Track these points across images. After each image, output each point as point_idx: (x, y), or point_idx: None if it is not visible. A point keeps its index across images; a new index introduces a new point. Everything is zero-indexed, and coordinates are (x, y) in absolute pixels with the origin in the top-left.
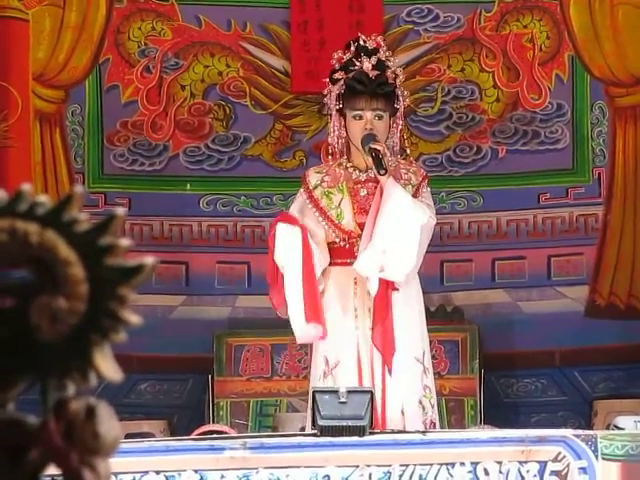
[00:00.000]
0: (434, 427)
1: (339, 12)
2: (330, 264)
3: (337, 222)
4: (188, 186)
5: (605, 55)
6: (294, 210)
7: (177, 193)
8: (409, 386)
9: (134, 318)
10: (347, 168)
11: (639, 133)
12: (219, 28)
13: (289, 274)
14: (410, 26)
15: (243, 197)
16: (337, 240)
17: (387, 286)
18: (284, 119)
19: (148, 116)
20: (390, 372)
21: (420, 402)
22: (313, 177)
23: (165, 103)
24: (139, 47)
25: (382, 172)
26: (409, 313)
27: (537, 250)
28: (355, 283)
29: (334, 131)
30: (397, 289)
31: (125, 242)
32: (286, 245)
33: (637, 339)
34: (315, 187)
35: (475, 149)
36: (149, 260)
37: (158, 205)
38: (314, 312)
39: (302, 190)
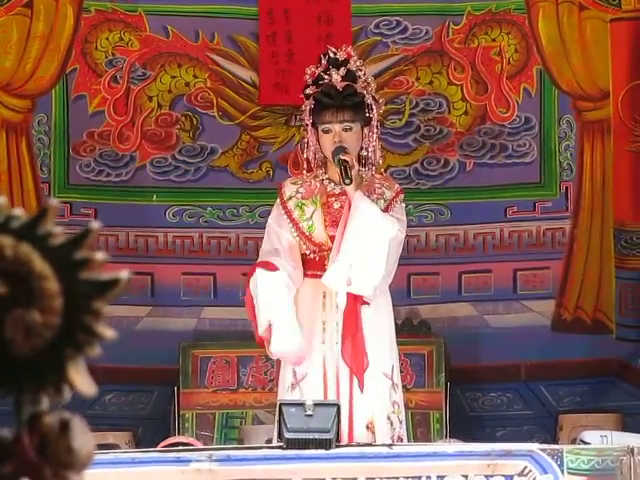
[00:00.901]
0: (402, 442)
1: (308, 24)
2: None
3: (308, 234)
4: (154, 197)
5: (573, 69)
6: (271, 221)
7: (143, 204)
8: (377, 402)
9: (109, 332)
10: (323, 181)
11: (607, 147)
12: (187, 39)
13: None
14: (378, 38)
15: (209, 208)
16: (307, 252)
17: (356, 300)
18: (251, 130)
19: (115, 126)
20: (362, 388)
21: (388, 418)
22: (288, 188)
23: (132, 114)
24: (106, 57)
25: (347, 182)
26: (378, 328)
27: (503, 264)
28: (324, 296)
29: (309, 146)
30: (367, 303)
31: (100, 256)
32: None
33: (603, 354)
34: (289, 198)
35: (443, 162)
36: (124, 274)
37: (124, 216)
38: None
39: (278, 201)
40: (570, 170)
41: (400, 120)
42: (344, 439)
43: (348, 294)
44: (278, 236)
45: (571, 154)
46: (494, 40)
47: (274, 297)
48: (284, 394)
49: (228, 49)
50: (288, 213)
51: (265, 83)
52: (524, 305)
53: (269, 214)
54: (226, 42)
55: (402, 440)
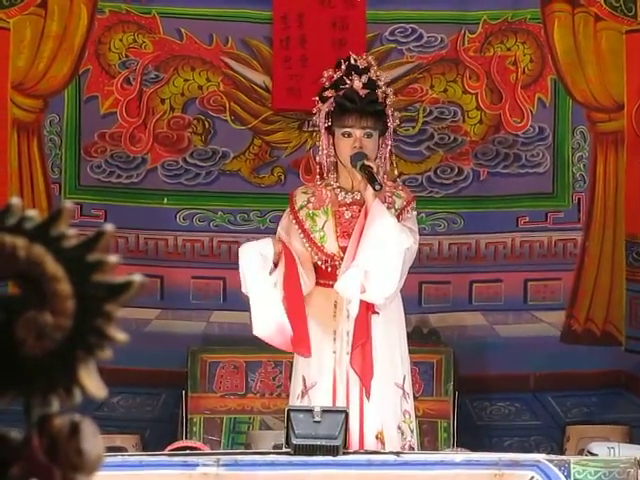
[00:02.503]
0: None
1: (322, 29)
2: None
3: (320, 245)
4: (165, 200)
5: (588, 80)
6: (281, 229)
7: (154, 207)
8: (388, 411)
9: (120, 335)
10: (334, 189)
11: (620, 159)
12: (200, 42)
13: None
14: (393, 45)
15: (220, 212)
16: (319, 262)
17: (367, 309)
18: (263, 135)
19: (127, 128)
20: (368, 396)
21: (399, 427)
22: (299, 197)
23: (144, 116)
24: (120, 59)
25: (377, 187)
26: (390, 337)
27: (514, 274)
28: (335, 306)
29: (322, 150)
30: (377, 312)
31: (113, 259)
32: (255, 255)
33: (612, 365)
34: (300, 208)
35: (456, 170)
36: (137, 277)
37: (134, 218)
38: (303, 335)
39: (288, 210)
40: (583, 181)
41: (414, 128)
42: (354, 449)
43: (360, 303)
44: (291, 246)
45: (584, 165)
46: (509, 49)
47: (246, 273)
48: (294, 402)
49: (242, 53)
50: (299, 223)
51: (278, 88)
52: (534, 316)
53: (280, 220)
54: (240, 46)
55: (414, 449)
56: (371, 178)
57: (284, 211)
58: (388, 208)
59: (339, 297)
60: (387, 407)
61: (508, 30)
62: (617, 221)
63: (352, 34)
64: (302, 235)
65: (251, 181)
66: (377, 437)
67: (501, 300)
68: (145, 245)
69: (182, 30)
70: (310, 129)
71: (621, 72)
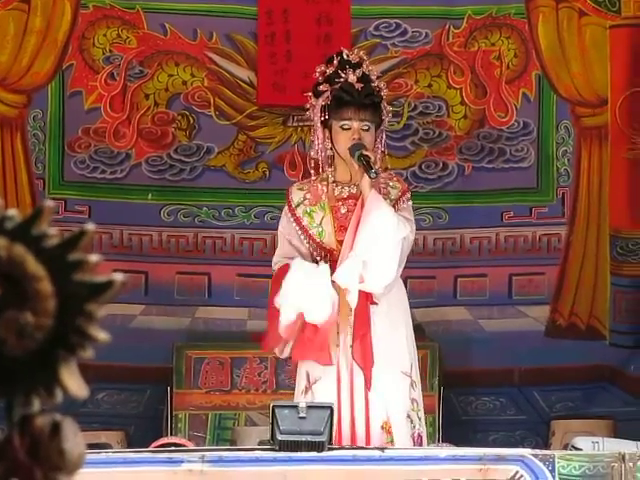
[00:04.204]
0: (421, 441)
1: (307, 25)
2: None
3: (319, 240)
4: (149, 195)
5: (572, 75)
6: (282, 228)
7: (138, 202)
8: (394, 401)
9: (102, 335)
10: (330, 183)
11: (604, 154)
12: (185, 37)
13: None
14: (378, 40)
15: (205, 208)
16: (318, 258)
17: (366, 300)
18: (248, 130)
19: (111, 123)
20: (369, 387)
21: (408, 416)
22: (295, 195)
23: (128, 111)
24: (104, 54)
25: (373, 175)
26: (394, 326)
27: (499, 268)
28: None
29: (318, 144)
30: (376, 303)
31: (94, 258)
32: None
33: (597, 360)
34: (297, 205)
35: (441, 165)
36: (118, 276)
37: (118, 214)
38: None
39: (286, 208)
40: (567, 176)
41: (398, 123)
42: (361, 441)
43: (359, 294)
44: (290, 244)
45: (568, 160)
46: (494, 44)
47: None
48: (298, 398)
49: (226, 48)
50: (297, 221)
51: (263, 83)
52: (519, 310)
53: (265, 215)
54: (224, 41)
55: (422, 437)
56: (367, 167)
57: (268, 206)
58: (384, 199)
59: (341, 291)
60: (393, 396)
61: (492, 25)
62: (601, 215)
63: (337, 29)
64: (300, 232)
65: (236, 176)
66: (382, 427)
67: (486, 295)
68: (129, 241)
69: (166, 25)
70: (295, 124)
71: (605, 67)
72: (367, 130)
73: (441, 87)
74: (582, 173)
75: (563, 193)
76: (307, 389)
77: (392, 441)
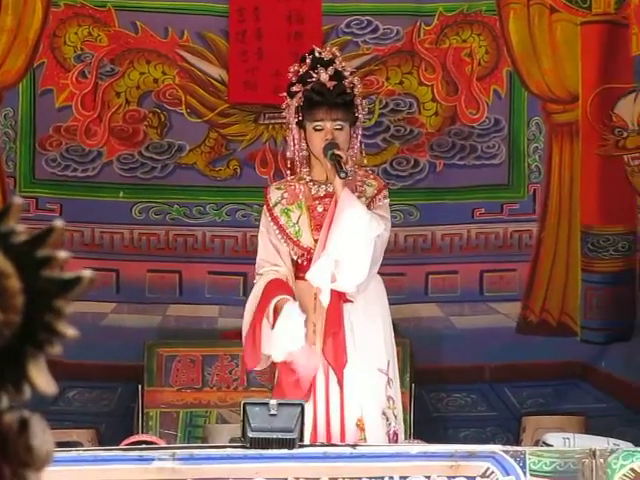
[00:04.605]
0: (397, 438)
1: (278, 22)
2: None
3: (295, 239)
4: (121, 193)
5: (543, 71)
6: (262, 227)
7: (109, 200)
8: (369, 398)
9: (70, 331)
10: (307, 182)
11: (575, 150)
12: (156, 35)
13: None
14: (349, 37)
15: (176, 205)
16: (295, 257)
17: (339, 299)
18: (219, 128)
19: (82, 122)
20: (341, 384)
21: (384, 413)
22: (273, 194)
23: (100, 109)
24: (75, 52)
25: (343, 175)
26: (371, 324)
27: (470, 265)
28: (315, 299)
29: (294, 145)
30: (351, 301)
31: (63, 254)
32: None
33: (567, 356)
34: (275, 205)
35: (412, 162)
36: (86, 273)
37: (90, 212)
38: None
39: (265, 208)
40: (538, 172)
41: (370, 120)
42: (336, 438)
43: (332, 291)
44: (271, 242)
45: (539, 156)
46: (465, 41)
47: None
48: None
49: (197, 46)
50: (275, 220)
51: (234, 81)
52: (490, 307)
53: (236, 212)
54: (195, 39)
55: (397, 435)
56: (338, 166)
57: (240, 204)
58: (359, 197)
59: (319, 290)
60: (368, 394)
61: (463, 22)
62: (572, 212)
63: (308, 27)
64: (278, 231)
65: (207, 174)
66: (357, 425)
67: (457, 291)
68: (101, 239)
69: (137, 23)
70: (266, 122)
71: (576, 63)
72: (340, 129)
73: (412, 84)
74: (553, 169)
75: (534, 190)
76: None
77: (365, 438)
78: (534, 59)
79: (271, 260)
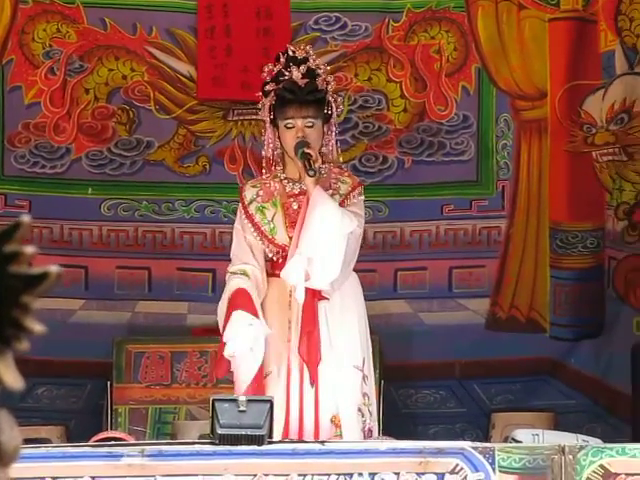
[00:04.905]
0: (371, 435)
1: (246, 19)
2: (268, 275)
3: (270, 237)
4: (90, 190)
5: (511, 68)
6: (237, 224)
7: (78, 197)
8: (345, 394)
9: (38, 327)
10: (282, 180)
11: (544, 147)
12: (124, 32)
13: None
14: (317, 34)
15: (145, 202)
16: (270, 255)
17: (314, 296)
18: (188, 124)
19: (51, 118)
20: (313, 382)
21: (359, 409)
22: (249, 192)
23: (68, 106)
24: (44, 49)
25: (311, 174)
26: (346, 321)
27: (439, 261)
28: (290, 295)
29: (268, 143)
30: (327, 298)
31: (30, 249)
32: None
33: (537, 352)
34: (250, 202)
35: (381, 159)
36: (53, 268)
37: (59, 208)
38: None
39: (240, 206)
40: (507, 169)
41: (338, 117)
42: (309, 435)
43: (306, 290)
44: (246, 239)
45: (508, 153)
46: (433, 38)
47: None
48: None
49: (166, 42)
50: (250, 217)
51: (203, 77)
52: (459, 303)
53: (205, 209)
54: (164, 36)
55: (372, 432)
56: (307, 165)
57: (209, 200)
58: (333, 194)
59: (293, 288)
60: (344, 390)
61: (432, 19)
62: (541, 208)
63: (276, 23)
64: (253, 229)
65: (176, 170)
66: (332, 421)
67: (426, 288)
68: (69, 235)
69: (106, 20)
70: (235, 118)
71: (544, 60)
72: (312, 127)
73: (381, 81)
74: (522, 166)
75: (503, 186)
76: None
77: (341, 434)
78: (502, 56)
79: (242, 257)
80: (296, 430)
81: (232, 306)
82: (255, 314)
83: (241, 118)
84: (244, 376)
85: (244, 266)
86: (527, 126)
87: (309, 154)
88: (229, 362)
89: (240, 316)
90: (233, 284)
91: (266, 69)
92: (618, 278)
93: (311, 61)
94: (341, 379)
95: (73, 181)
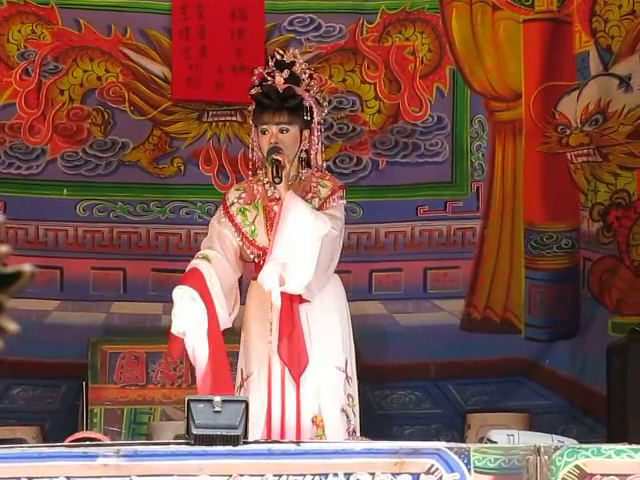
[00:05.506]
0: (355, 435)
1: (221, 19)
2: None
3: (251, 239)
4: (65, 191)
5: (486, 69)
6: (214, 220)
7: (53, 198)
8: (328, 395)
9: (11, 326)
10: (264, 184)
11: (518, 148)
12: (99, 33)
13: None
14: (292, 35)
15: (120, 203)
16: (252, 256)
17: (292, 299)
18: (163, 125)
19: (26, 119)
20: (297, 382)
21: (343, 410)
22: (232, 195)
23: (43, 107)
24: (18, 50)
25: (277, 180)
26: (328, 322)
27: (414, 262)
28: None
29: (253, 147)
30: (308, 300)
31: (4, 249)
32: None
33: (512, 353)
34: (232, 204)
35: (355, 160)
36: (27, 267)
37: (34, 209)
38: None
39: (221, 207)
40: (481, 170)
41: (324, 121)
42: (290, 435)
43: (283, 293)
44: (220, 233)
45: (483, 154)
46: (408, 39)
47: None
48: (235, 393)
49: (140, 44)
50: (231, 218)
51: (177, 78)
52: (434, 304)
53: (180, 210)
54: (139, 37)
55: (356, 432)
56: (274, 171)
57: (184, 201)
58: (312, 198)
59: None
60: (327, 391)
61: (406, 20)
62: (515, 209)
63: (251, 24)
64: (234, 229)
65: (151, 172)
66: (313, 421)
67: (401, 289)
68: (45, 236)
69: (80, 21)
70: (210, 119)
71: (519, 61)
72: (286, 132)
73: (355, 82)
74: (496, 167)
75: (477, 187)
76: (241, 386)
77: (323, 434)
78: (477, 57)
79: (208, 245)
80: (278, 431)
81: (179, 283)
82: (202, 291)
83: (216, 119)
84: (198, 353)
85: (207, 251)
86: (501, 127)
87: (277, 160)
88: (182, 341)
89: (182, 291)
90: (189, 265)
91: (256, 72)
92: (593, 279)
93: (297, 66)
94: (323, 380)
95: (48, 182)
